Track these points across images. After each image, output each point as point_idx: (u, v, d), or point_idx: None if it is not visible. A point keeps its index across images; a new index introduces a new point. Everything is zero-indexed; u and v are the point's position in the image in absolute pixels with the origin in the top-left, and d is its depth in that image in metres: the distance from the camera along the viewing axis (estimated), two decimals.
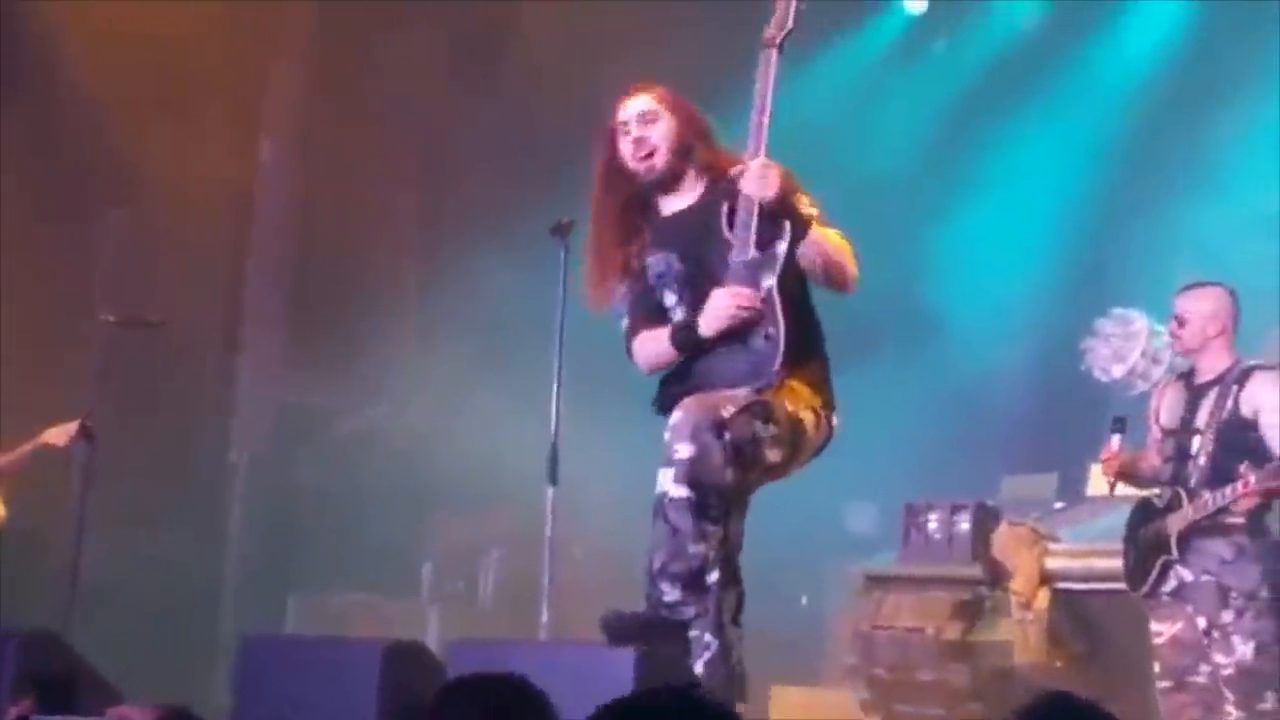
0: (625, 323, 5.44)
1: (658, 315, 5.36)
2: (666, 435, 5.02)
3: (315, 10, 11.02)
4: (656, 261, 5.36)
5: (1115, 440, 7.47)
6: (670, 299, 5.35)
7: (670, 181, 5.38)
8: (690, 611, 5.01)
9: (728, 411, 5.02)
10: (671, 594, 4.99)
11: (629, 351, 5.43)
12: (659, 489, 5.00)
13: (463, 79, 11.24)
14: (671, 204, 5.40)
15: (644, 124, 5.32)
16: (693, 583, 4.99)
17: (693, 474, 4.94)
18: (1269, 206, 10.17)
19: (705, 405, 5.04)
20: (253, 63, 10.92)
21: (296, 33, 11.15)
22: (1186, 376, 7.50)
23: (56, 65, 9.79)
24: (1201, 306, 7.34)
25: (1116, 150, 11.27)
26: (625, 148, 5.34)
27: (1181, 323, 7.34)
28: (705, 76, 10.03)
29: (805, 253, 5.23)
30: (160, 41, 10.05)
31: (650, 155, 5.33)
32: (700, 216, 5.33)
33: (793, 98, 10.26)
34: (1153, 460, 7.44)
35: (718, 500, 5.00)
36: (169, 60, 10.12)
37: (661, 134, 5.32)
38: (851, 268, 5.33)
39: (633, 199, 5.40)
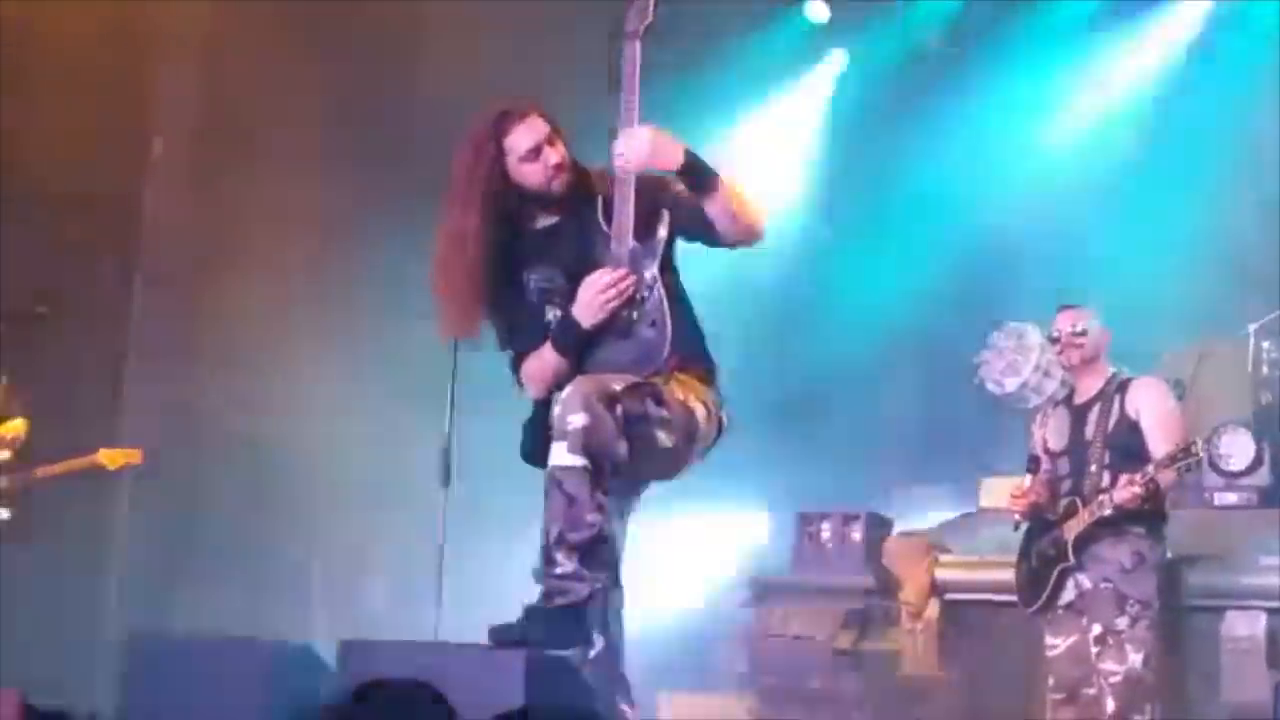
0: (510, 352, 5.37)
1: (544, 335, 5.29)
2: (556, 409, 4.98)
3: (209, 10, 10.89)
4: (538, 278, 5.32)
5: (1029, 479, 7.59)
6: (554, 314, 5.29)
7: (548, 195, 5.31)
8: (584, 589, 4.97)
9: (618, 385, 5.01)
10: (566, 565, 4.95)
11: (519, 380, 5.36)
12: (551, 462, 4.97)
13: (362, 78, 11.16)
14: (544, 217, 5.33)
15: (554, 147, 5.24)
16: (589, 552, 4.97)
17: (587, 443, 4.91)
18: (1164, 223, 10.30)
19: (595, 380, 5.03)
20: (144, 61, 10.78)
21: (190, 31, 11.01)
22: (1066, 400, 7.74)
23: None
24: (1092, 321, 7.57)
25: (1011, 164, 11.36)
26: (533, 171, 5.23)
27: (1082, 334, 7.48)
28: (558, 78, 10.16)
29: (716, 209, 5.19)
30: (48, 39, 9.91)
31: (561, 171, 5.25)
32: (573, 226, 5.29)
33: (689, 102, 10.39)
34: (1043, 493, 7.55)
35: (612, 471, 4.98)
36: (57, 58, 9.97)
37: (563, 152, 5.26)
38: (759, 208, 5.31)
39: (506, 217, 5.30)
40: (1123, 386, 7.45)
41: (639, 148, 5.10)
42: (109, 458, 8.96)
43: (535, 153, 5.22)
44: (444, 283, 5.28)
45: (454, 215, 5.26)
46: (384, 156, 11.08)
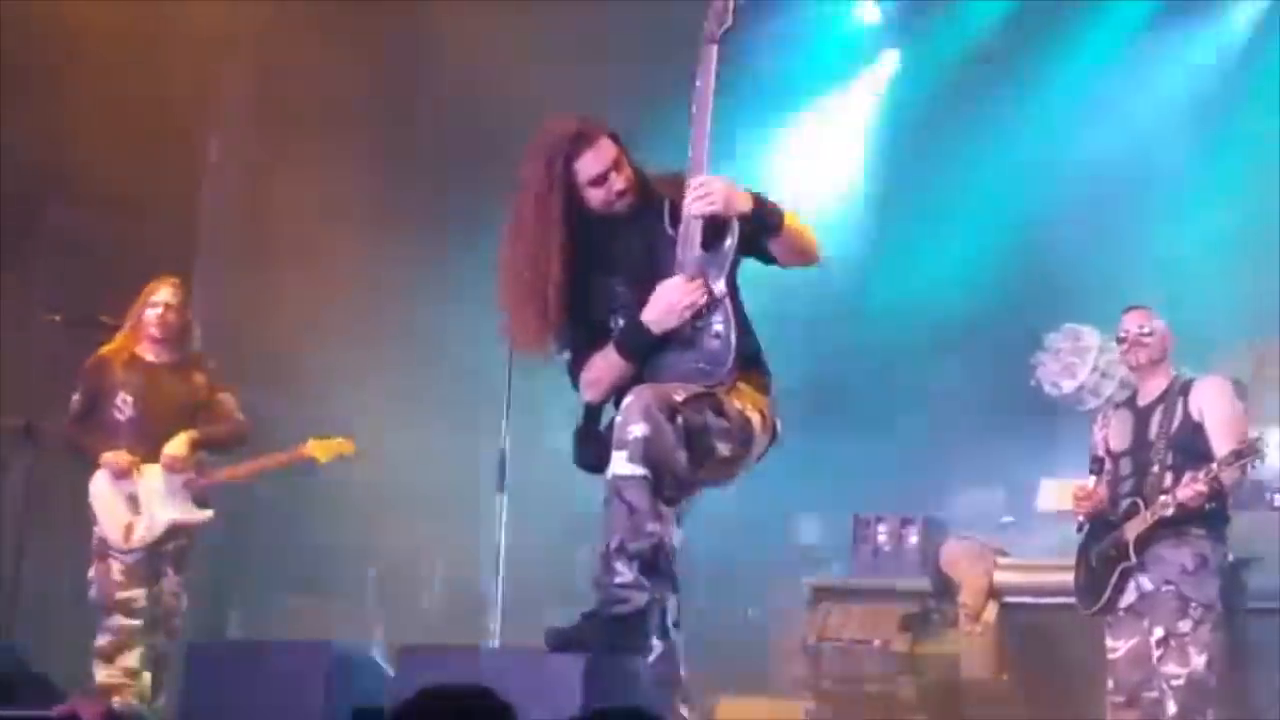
0: (569, 356, 5.39)
1: (605, 341, 5.31)
2: (617, 419, 5.01)
3: (263, 9, 10.92)
4: (603, 284, 5.34)
5: (1092, 480, 7.55)
6: (615, 321, 5.31)
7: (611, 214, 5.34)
8: (643, 598, 4.98)
9: (680, 396, 5.03)
10: (625, 574, 4.96)
11: (577, 383, 5.37)
12: (611, 471, 4.98)
13: (422, 78, 11.18)
14: (608, 227, 5.34)
15: (619, 171, 5.26)
16: (649, 562, 4.98)
17: (647, 453, 4.92)
18: (1219, 223, 10.22)
19: (656, 389, 5.04)
20: (200, 61, 10.83)
21: (244, 31, 11.05)
22: (1129, 402, 7.68)
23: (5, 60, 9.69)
24: (1157, 323, 7.52)
25: (1068, 165, 11.29)
26: (597, 195, 5.26)
27: (1150, 332, 7.45)
28: (639, 75, 10.15)
29: (780, 246, 5.29)
30: (105, 39, 9.98)
31: (624, 196, 5.29)
32: (638, 233, 5.32)
33: (743, 102, 10.35)
34: (1103, 494, 7.50)
35: (672, 481, 5.00)
36: (114, 58, 10.04)
37: (628, 175, 5.28)
38: (815, 240, 5.42)
39: (576, 229, 5.31)
40: (1185, 388, 7.41)
41: (713, 201, 5.12)
42: (320, 449, 8.54)
43: (602, 178, 5.25)
44: (522, 301, 5.28)
45: (529, 231, 5.27)
46: (443, 159, 11.10)
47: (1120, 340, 7.61)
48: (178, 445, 8.03)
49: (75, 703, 5.00)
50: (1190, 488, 7.00)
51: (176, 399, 8.15)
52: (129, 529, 7.95)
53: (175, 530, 8.06)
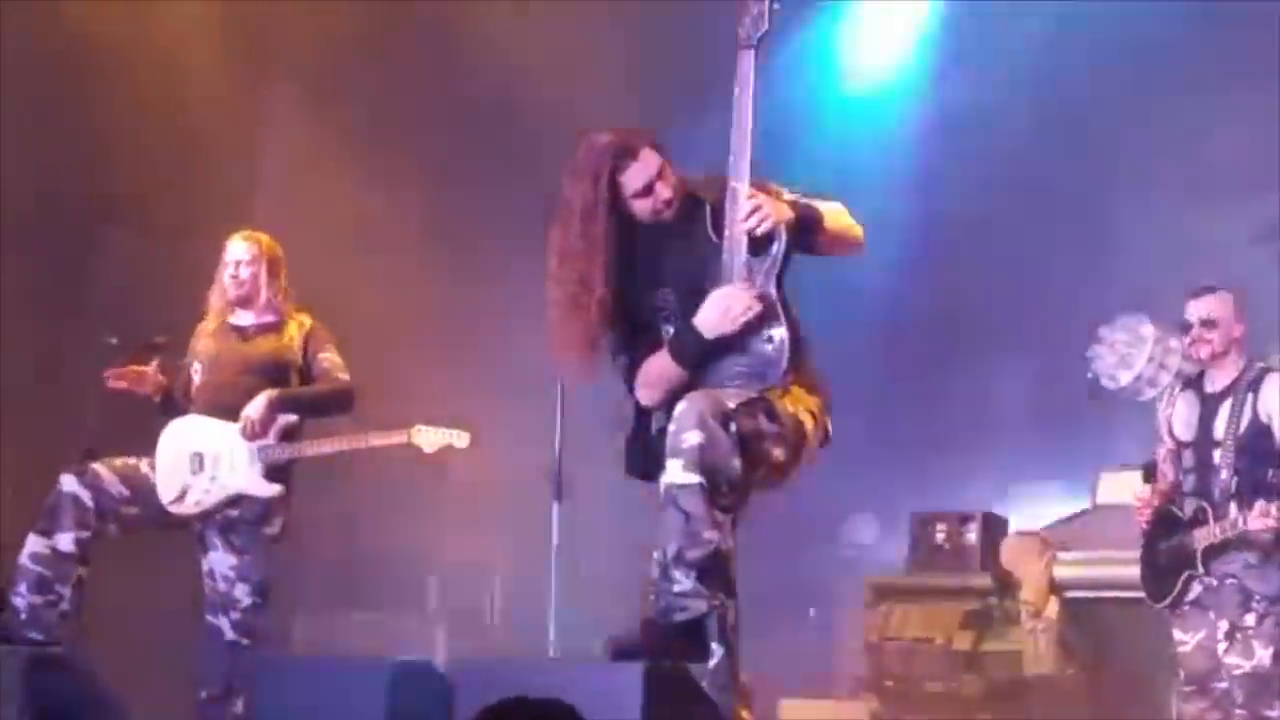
0: (624, 361, 5.38)
1: (658, 348, 5.31)
2: (671, 426, 5.00)
3: (313, 26, 10.98)
4: (650, 293, 5.34)
5: (1147, 490, 7.43)
6: (667, 332, 5.31)
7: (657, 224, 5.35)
8: (702, 605, 4.98)
9: (732, 402, 5.03)
10: (684, 583, 4.96)
11: (631, 389, 5.36)
12: (666, 480, 4.98)
13: (478, 85, 11.21)
14: (654, 236, 5.34)
15: (664, 180, 5.27)
16: (707, 570, 4.97)
17: (703, 460, 4.92)
18: (1270, 210, 10.13)
19: (709, 396, 5.04)
20: (251, 83, 10.90)
21: (294, 50, 11.10)
22: (1196, 385, 7.43)
23: (52, 84, 9.77)
24: (1225, 309, 7.27)
25: (1118, 154, 11.21)
26: (643, 206, 5.27)
27: (1211, 325, 7.24)
28: (674, 78, 10.17)
29: (823, 242, 5.33)
30: (158, 68, 10.08)
31: (669, 204, 5.30)
32: (681, 240, 5.31)
33: (790, 91, 10.33)
34: (1169, 476, 7.39)
35: (728, 489, 4.99)
36: (169, 80, 10.12)
37: (673, 182, 5.29)
38: (858, 230, 5.45)
39: (623, 243, 5.32)
40: (1257, 381, 7.16)
41: (769, 220, 5.12)
42: (427, 437, 7.45)
43: (648, 189, 5.26)
44: (569, 321, 5.29)
45: (577, 250, 5.27)
46: (497, 167, 11.11)
47: (1185, 329, 7.33)
48: (254, 406, 7.20)
49: None
50: (1260, 520, 6.85)
51: (250, 361, 7.38)
52: (184, 492, 7.24)
53: (236, 502, 7.26)
